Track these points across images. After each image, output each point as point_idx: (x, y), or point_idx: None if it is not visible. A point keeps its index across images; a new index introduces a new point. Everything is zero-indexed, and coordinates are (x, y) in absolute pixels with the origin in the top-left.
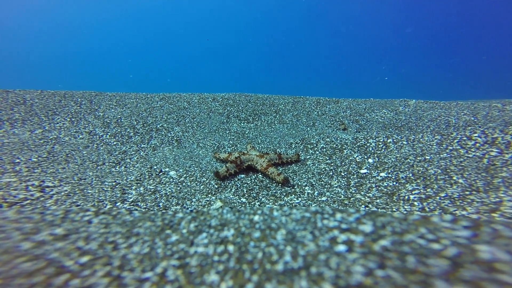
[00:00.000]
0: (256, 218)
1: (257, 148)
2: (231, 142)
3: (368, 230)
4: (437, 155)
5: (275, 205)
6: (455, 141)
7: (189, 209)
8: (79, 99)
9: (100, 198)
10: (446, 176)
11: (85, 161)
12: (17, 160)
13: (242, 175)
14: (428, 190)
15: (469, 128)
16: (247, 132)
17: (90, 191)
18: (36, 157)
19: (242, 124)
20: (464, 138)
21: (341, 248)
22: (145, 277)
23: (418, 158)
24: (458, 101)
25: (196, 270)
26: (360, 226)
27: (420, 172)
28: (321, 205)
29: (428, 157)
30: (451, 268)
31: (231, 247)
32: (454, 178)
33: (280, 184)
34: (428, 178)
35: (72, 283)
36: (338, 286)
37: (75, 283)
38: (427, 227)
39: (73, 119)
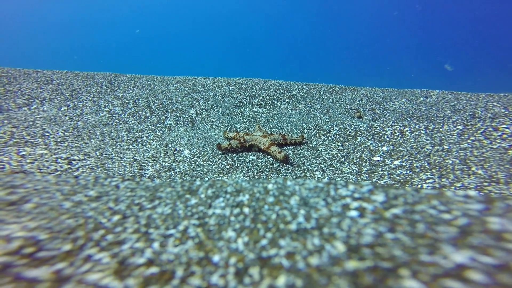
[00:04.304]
0: (270, 186)
1: (268, 132)
2: (243, 125)
3: (380, 200)
4: (457, 145)
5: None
6: (479, 131)
7: None
8: (100, 80)
9: (120, 172)
10: (465, 166)
11: (105, 138)
12: (47, 134)
13: (253, 157)
14: (443, 179)
15: (497, 120)
16: (259, 117)
17: (110, 166)
18: (62, 131)
19: (255, 109)
20: (490, 129)
21: (353, 213)
22: (169, 233)
23: (436, 148)
24: (489, 93)
25: (215, 228)
26: (373, 196)
27: (436, 161)
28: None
29: (447, 147)
30: (460, 235)
31: (246, 209)
32: (473, 168)
33: (280, 162)
34: (445, 168)
35: (108, 238)
36: (349, 244)
37: (110, 238)
38: (440, 200)
39: (94, 99)
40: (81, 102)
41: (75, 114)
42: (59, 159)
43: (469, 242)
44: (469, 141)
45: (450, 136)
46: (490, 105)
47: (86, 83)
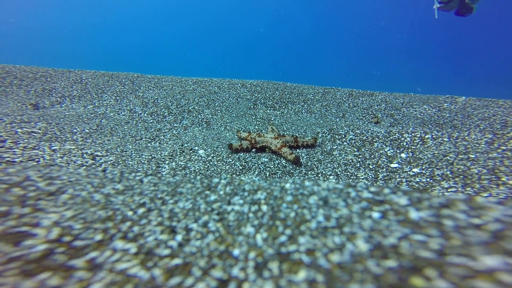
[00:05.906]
0: (288, 186)
1: (281, 133)
2: (256, 127)
3: (404, 203)
4: (485, 155)
5: None
6: None
7: None
8: (123, 80)
9: (139, 169)
10: (493, 176)
11: (126, 135)
12: (75, 130)
13: (266, 159)
14: (468, 189)
15: None
16: (273, 119)
17: (130, 163)
18: (88, 128)
19: (268, 111)
20: None
21: (375, 215)
22: (191, 227)
23: (460, 156)
24: None
25: (234, 223)
26: (395, 199)
27: (460, 170)
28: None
29: (473, 156)
30: (491, 240)
31: (264, 207)
32: (503, 179)
33: (292, 163)
34: (470, 177)
35: (134, 229)
36: (372, 244)
37: (136, 229)
38: (469, 205)
39: (117, 98)
40: (105, 100)
41: (99, 112)
42: (84, 155)
43: (502, 247)
44: (499, 150)
45: (477, 145)
46: None
47: (111, 82)
